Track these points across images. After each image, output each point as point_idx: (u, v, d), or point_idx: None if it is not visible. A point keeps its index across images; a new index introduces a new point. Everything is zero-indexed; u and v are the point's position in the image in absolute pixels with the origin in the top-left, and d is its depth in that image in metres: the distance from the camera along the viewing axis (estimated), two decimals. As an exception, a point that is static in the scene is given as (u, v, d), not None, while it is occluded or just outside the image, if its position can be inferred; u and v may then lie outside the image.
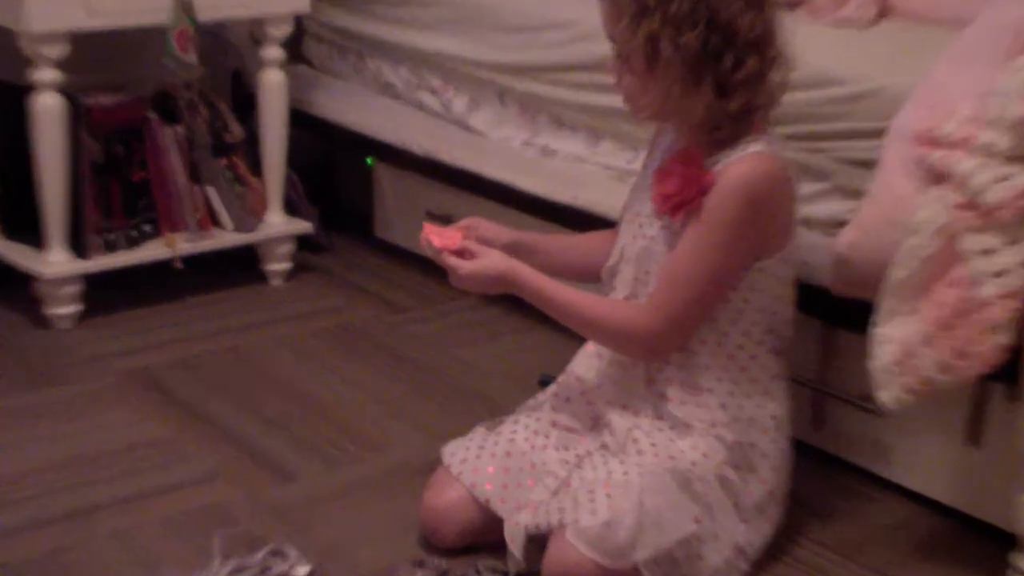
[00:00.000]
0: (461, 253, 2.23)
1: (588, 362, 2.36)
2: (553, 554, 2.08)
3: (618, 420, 2.25)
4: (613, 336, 2.25)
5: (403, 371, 3.01)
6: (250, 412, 2.80)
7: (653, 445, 2.17)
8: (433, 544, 2.30)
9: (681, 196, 2.14)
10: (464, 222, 2.35)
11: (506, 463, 2.28)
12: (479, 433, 2.37)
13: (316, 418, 2.78)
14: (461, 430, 2.52)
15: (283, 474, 2.56)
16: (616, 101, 2.90)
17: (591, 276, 2.40)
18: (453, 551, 2.28)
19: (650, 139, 2.39)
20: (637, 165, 2.91)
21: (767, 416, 2.23)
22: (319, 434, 2.71)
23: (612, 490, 2.09)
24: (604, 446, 2.26)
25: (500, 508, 2.24)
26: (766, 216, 2.15)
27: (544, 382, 2.76)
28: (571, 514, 2.09)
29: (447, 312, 3.33)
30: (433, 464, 2.48)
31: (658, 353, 2.23)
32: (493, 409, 2.74)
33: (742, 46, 2.09)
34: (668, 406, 2.23)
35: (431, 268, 3.47)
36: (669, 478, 2.12)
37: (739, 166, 2.12)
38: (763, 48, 2.12)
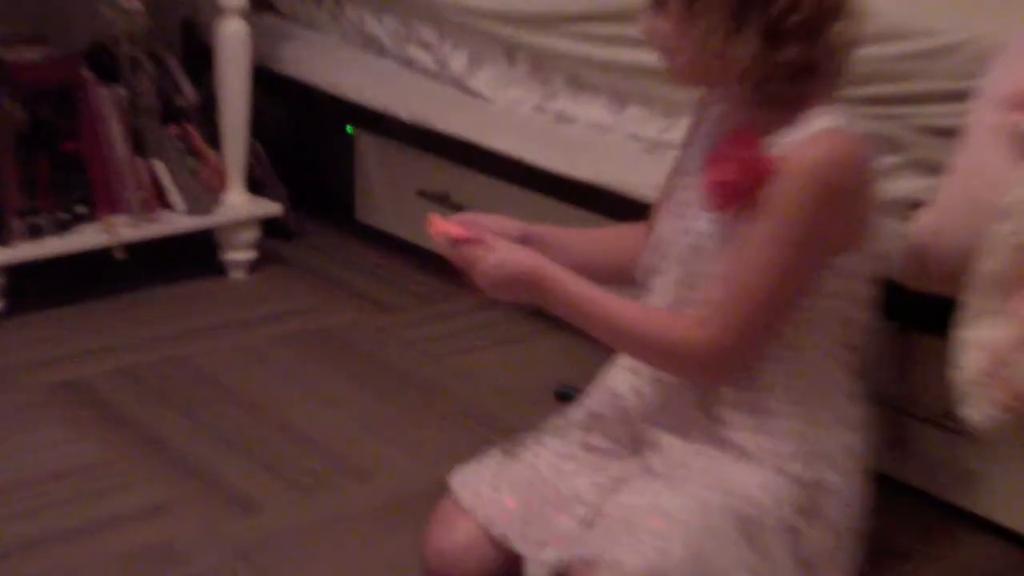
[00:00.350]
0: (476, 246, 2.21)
1: (624, 376, 2.35)
2: None
3: (669, 440, 2.24)
4: (665, 356, 2.20)
5: (392, 385, 3.03)
6: (206, 432, 2.82)
7: (709, 473, 2.17)
8: None
9: (737, 185, 2.13)
10: (458, 217, 2.33)
11: (528, 494, 2.27)
12: (494, 459, 2.37)
13: (285, 440, 2.79)
14: (462, 455, 2.51)
15: (245, 506, 2.58)
16: (647, 57, 2.92)
17: (619, 277, 2.38)
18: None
19: (693, 109, 2.38)
20: (672, 135, 2.92)
21: (841, 447, 2.23)
22: (289, 459, 2.72)
23: (659, 524, 2.09)
24: (648, 469, 2.25)
25: (521, 546, 2.24)
26: (843, 206, 2.12)
27: (563, 395, 2.77)
28: (608, 550, 2.08)
29: (446, 314, 3.34)
30: (432, 496, 2.47)
31: (719, 374, 2.19)
32: (502, 430, 2.76)
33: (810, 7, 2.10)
34: (725, 431, 2.21)
35: (425, 259, 3.51)
36: (728, 518, 2.11)
37: (808, 148, 2.10)
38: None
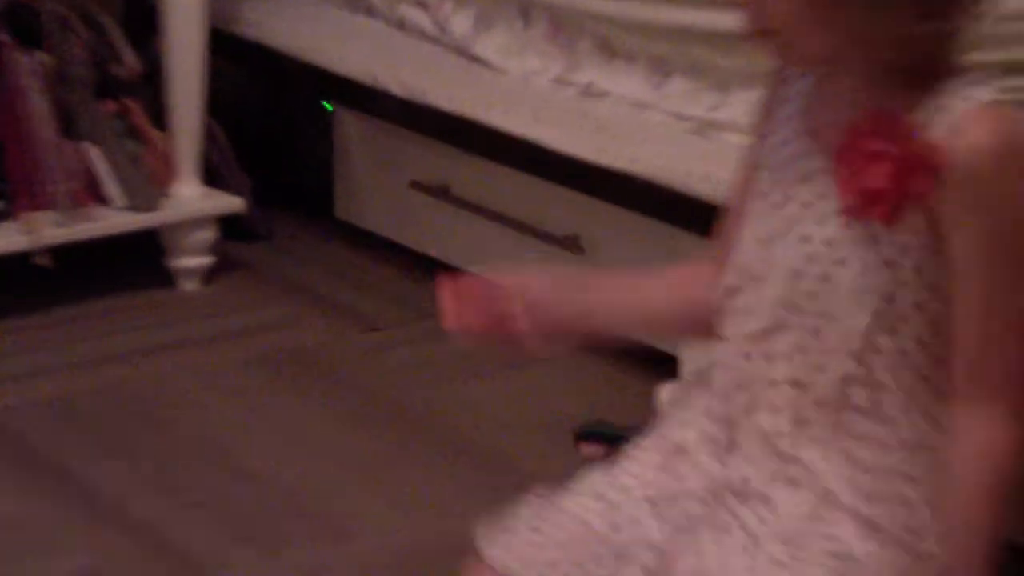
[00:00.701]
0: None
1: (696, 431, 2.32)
2: None
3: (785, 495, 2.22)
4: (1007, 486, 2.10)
5: (379, 418, 3.04)
6: (151, 480, 2.82)
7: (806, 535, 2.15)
8: None
9: (899, 187, 2.07)
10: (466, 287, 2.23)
11: (575, 551, 2.26)
12: (531, 508, 2.34)
13: (248, 490, 2.80)
14: (464, 506, 2.53)
15: (200, 572, 2.58)
16: (689, 17, 2.93)
17: (692, 328, 2.34)
18: None
19: (766, 82, 2.33)
20: (724, 113, 2.92)
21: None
22: (252, 514, 2.73)
23: None
24: (738, 487, 2.22)
25: None
26: None
27: (584, 436, 2.75)
28: None
29: (442, 331, 3.32)
30: (427, 556, 2.48)
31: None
32: (511, 473, 2.79)
33: None
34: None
35: (418, 265, 3.50)
36: None
37: (982, 126, 2.06)
38: None
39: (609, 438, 2.77)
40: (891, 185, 2.03)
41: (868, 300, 2.11)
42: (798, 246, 2.13)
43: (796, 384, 2.12)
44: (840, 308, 2.13)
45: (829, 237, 2.11)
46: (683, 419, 2.30)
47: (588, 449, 2.77)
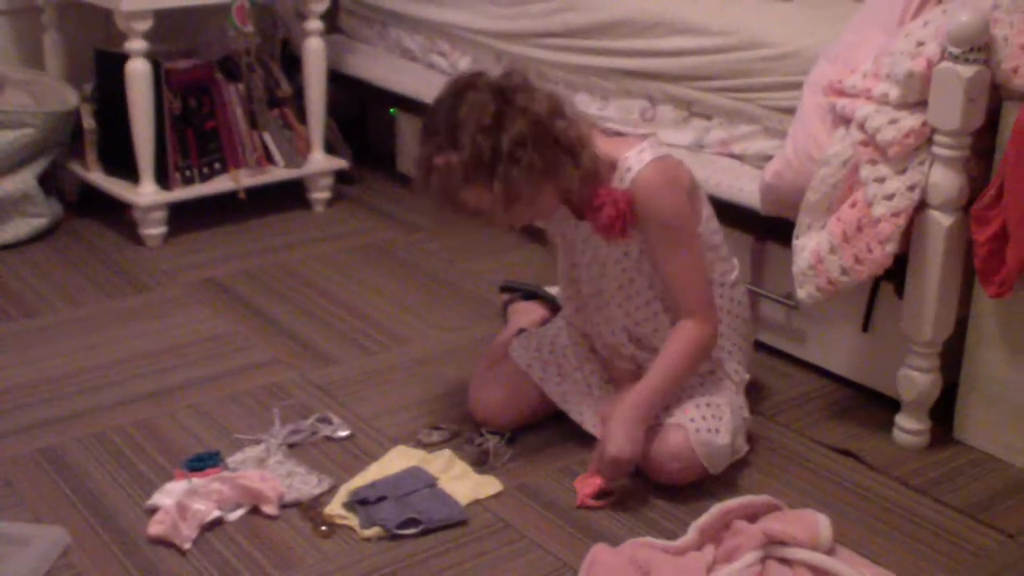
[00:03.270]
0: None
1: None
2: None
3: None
4: (702, 358, 2.14)
5: (420, 280, 3.01)
6: (300, 312, 2.82)
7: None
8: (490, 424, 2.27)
9: (622, 218, 2.05)
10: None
11: (552, 353, 2.30)
12: (535, 335, 2.35)
13: (351, 316, 2.79)
14: (469, 327, 2.54)
15: (327, 360, 2.59)
16: (587, 60, 2.93)
17: None
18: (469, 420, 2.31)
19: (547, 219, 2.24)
20: (607, 112, 2.91)
21: (739, 335, 2.27)
22: (354, 329, 2.73)
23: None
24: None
25: (563, 405, 2.26)
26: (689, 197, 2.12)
27: (505, 288, 2.78)
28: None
29: (456, 232, 3.34)
30: (450, 355, 2.50)
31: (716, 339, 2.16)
32: (494, 313, 2.77)
33: (566, 135, 2.01)
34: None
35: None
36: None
37: (648, 171, 2.05)
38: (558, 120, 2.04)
39: (515, 288, 2.77)
40: (617, 219, 2.06)
41: (635, 282, 2.15)
42: (592, 263, 2.15)
43: (625, 317, 2.19)
44: (637, 292, 2.17)
45: (603, 255, 2.14)
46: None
47: (504, 295, 2.77)
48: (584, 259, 2.19)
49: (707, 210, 2.16)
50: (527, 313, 2.61)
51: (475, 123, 1.95)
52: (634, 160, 2.05)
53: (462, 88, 2.01)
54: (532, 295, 2.70)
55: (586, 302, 2.24)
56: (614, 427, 2.05)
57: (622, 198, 2.04)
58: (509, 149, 1.95)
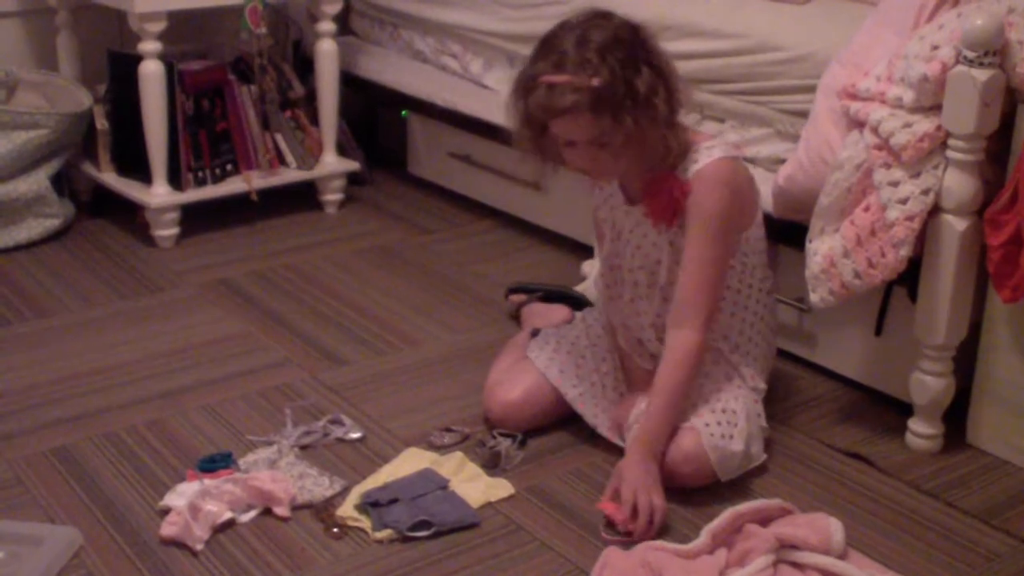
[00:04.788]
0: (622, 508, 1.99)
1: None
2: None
3: None
4: (694, 369, 2.10)
5: (431, 282, 3.01)
6: (311, 313, 2.82)
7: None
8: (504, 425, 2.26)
9: (678, 206, 2.05)
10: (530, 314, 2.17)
11: (572, 355, 2.29)
12: (553, 336, 2.33)
13: (363, 318, 2.79)
14: (481, 329, 2.54)
15: (338, 361, 2.59)
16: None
17: None
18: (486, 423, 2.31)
19: (591, 184, 2.25)
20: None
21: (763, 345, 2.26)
22: (366, 331, 2.73)
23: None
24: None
25: (581, 409, 2.24)
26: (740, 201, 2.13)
27: (514, 291, 2.78)
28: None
29: (467, 234, 3.34)
30: (459, 356, 2.50)
31: (706, 345, 2.13)
32: (504, 315, 2.77)
33: (674, 94, 2.04)
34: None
35: (454, 197, 3.51)
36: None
37: (710, 168, 2.06)
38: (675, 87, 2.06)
39: (529, 290, 2.78)
40: (670, 206, 2.06)
41: (675, 271, 2.13)
42: (644, 257, 2.14)
43: (659, 311, 2.18)
44: (661, 276, 2.15)
45: (653, 240, 2.13)
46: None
47: (515, 297, 2.77)
48: (628, 248, 2.19)
49: (759, 216, 2.17)
50: (544, 315, 2.60)
51: (614, 55, 1.94)
52: (703, 154, 2.06)
53: (598, 16, 1.99)
54: (556, 296, 2.70)
55: (622, 291, 2.24)
56: (631, 474, 1.99)
57: (681, 188, 2.04)
58: (645, 94, 1.95)
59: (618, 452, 2.14)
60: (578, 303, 2.64)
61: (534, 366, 2.28)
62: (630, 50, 1.97)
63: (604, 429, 2.22)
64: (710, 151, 2.07)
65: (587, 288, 2.72)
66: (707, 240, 2.05)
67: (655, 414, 2.05)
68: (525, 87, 2.02)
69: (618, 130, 1.96)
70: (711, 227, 2.05)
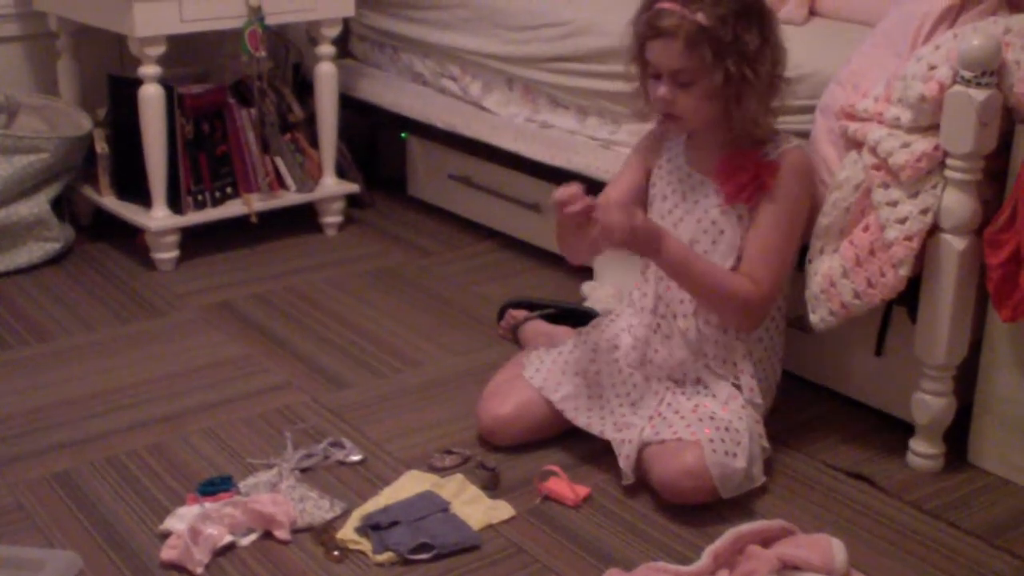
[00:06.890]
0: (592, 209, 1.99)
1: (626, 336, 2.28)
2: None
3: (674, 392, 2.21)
4: (727, 300, 2.09)
5: (431, 304, 3.01)
6: (312, 335, 2.82)
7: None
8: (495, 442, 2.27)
9: (761, 183, 2.08)
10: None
11: (569, 373, 2.27)
12: (558, 349, 2.32)
13: (364, 340, 2.79)
14: (481, 351, 2.53)
15: (339, 383, 2.59)
16: (598, 84, 2.93)
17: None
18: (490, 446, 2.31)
19: (653, 135, 2.27)
20: (618, 136, 2.91)
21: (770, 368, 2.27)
22: (366, 353, 2.73)
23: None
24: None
25: (579, 420, 2.23)
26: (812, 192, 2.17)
27: (512, 305, 2.77)
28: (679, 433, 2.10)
29: (467, 256, 3.34)
30: (459, 377, 2.49)
31: (757, 319, 2.14)
32: (499, 338, 2.76)
33: (778, 73, 2.11)
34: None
35: (454, 219, 3.51)
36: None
37: (793, 153, 2.11)
38: (781, 69, 2.12)
39: (530, 306, 2.77)
40: (749, 185, 2.07)
41: (733, 250, 2.14)
42: (695, 224, 2.14)
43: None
44: (719, 256, 2.15)
45: (714, 218, 2.13)
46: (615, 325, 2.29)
47: (517, 313, 2.76)
48: (676, 215, 2.20)
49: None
50: (548, 336, 2.59)
51: (731, 6, 2.00)
52: (783, 140, 2.13)
53: None
54: (561, 314, 2.69)
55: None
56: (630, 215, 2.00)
57: (766, 167, 2.08)
58: (751, 54, 2.00)
59: (618, 476, 2.14)
60: (582, 318, 2.62)
61: (527, 381, 2.27)
62: (750, 10, 2.04)
63: (608, 433, 2.20)
64: (789, 140, 2.14)
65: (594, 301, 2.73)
66: (784, 214, 2.10)
67: (692, 256, 2.07)
68: (643, 6, 2.09)
69: (708, 73, 2.01)
70: (790, 204, 2.10)
